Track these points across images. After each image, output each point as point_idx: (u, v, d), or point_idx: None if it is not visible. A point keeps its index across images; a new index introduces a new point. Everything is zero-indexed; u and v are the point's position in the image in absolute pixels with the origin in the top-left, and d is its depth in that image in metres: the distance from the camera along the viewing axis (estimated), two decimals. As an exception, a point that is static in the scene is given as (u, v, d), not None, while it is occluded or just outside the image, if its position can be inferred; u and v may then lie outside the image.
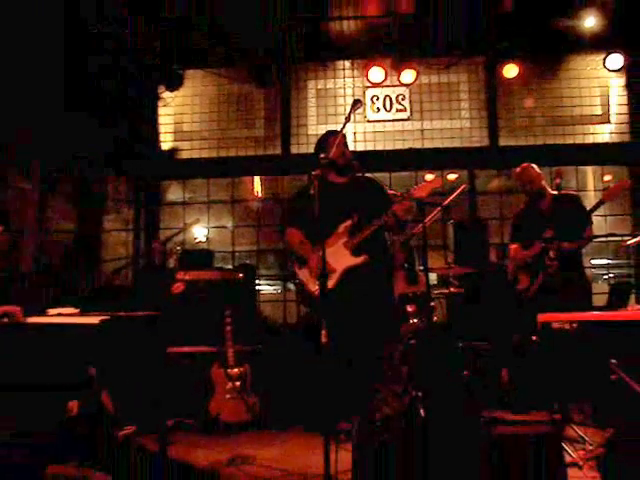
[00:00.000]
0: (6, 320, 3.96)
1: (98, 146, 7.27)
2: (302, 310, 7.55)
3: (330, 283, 4.48)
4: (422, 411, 4.71)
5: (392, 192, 4.78)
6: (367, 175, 4.90)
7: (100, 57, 6.91)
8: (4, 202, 6.26)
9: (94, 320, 3.62)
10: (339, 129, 4.08)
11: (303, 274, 4.73)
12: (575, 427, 4.44)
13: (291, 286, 8.21)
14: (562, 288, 5.11)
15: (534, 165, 5.56)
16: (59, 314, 3.99)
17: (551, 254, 5.19)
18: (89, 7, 6.51)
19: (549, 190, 5.55)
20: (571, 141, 8.07)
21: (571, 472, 3.43)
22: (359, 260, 4.56)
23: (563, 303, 4.48)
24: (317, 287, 4.48)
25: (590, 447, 4.04)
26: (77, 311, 4.18)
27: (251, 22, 7.15)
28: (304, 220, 4.67)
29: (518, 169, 5.62)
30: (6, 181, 6.37)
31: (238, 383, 5.44)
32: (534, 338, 5.48)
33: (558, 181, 4.96)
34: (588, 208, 5.22)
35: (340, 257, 4.55)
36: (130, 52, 7.16)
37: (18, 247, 6.47)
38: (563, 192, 5.44)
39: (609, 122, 8.08)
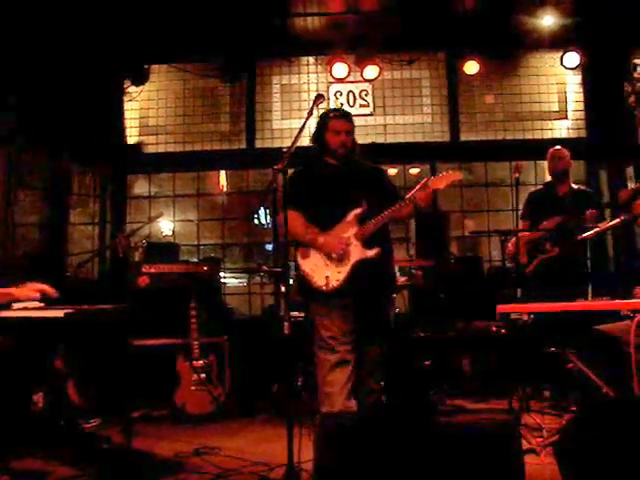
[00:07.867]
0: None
1: (64, 140, 7.25)
2: (266, 302, 7.58)
3: (340, 276, 4.08)
4: (383, 398, 4.81)
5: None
6: (371, 163, 4.61)
7: (67, 50, 6.88)
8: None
9: (59, 313, 3.62)
10: (301, 124, 3.90)
11: (307, 265, 4.18)
12: (533, 415, 4.55)
13: (257, 278, 8.24)
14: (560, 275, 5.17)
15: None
16: (24, 308, 4.00)
17: (548, 246, 5.31)
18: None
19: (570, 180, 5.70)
20: (530, 136, 8.21)
21: (528, 459, 3.46)
22: (372, 253, 4.11)
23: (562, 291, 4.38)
24: (326, 282, 4.07)
25: (547, 434, 4.14)
26: (42, 304, 4.18)
27: (216, 17, 7.17)
28: (306, 203, 4.26)
29: (552, 149, 5.79)
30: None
31: (203, 375, 5.48)
32: (493, 328, 5.63)
33: (517, 175, 5.02)
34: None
35: (351, 248, 4.11)
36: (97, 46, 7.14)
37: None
38: (582, 188, 5.78)
39: (566, 118, 8.24)
